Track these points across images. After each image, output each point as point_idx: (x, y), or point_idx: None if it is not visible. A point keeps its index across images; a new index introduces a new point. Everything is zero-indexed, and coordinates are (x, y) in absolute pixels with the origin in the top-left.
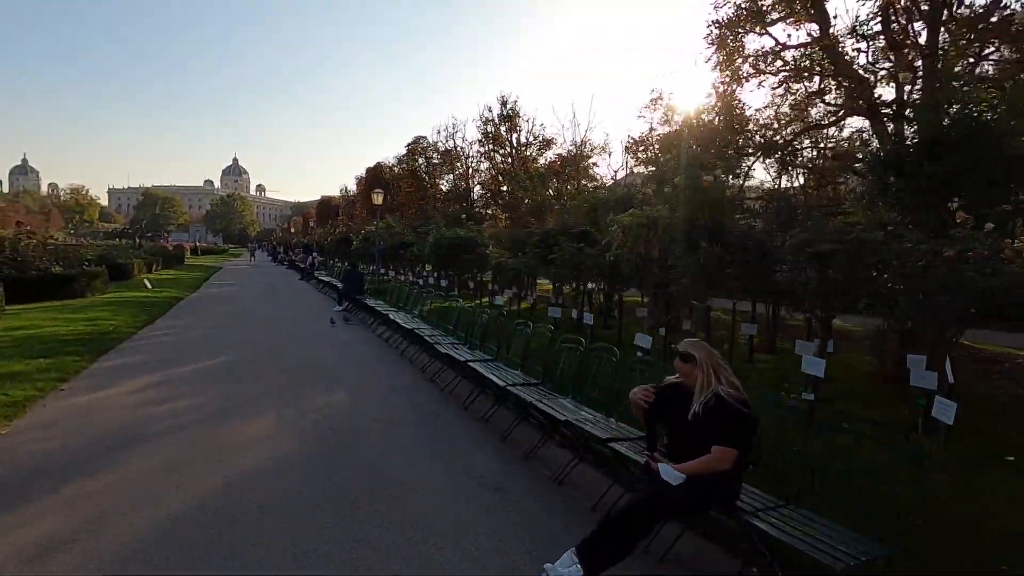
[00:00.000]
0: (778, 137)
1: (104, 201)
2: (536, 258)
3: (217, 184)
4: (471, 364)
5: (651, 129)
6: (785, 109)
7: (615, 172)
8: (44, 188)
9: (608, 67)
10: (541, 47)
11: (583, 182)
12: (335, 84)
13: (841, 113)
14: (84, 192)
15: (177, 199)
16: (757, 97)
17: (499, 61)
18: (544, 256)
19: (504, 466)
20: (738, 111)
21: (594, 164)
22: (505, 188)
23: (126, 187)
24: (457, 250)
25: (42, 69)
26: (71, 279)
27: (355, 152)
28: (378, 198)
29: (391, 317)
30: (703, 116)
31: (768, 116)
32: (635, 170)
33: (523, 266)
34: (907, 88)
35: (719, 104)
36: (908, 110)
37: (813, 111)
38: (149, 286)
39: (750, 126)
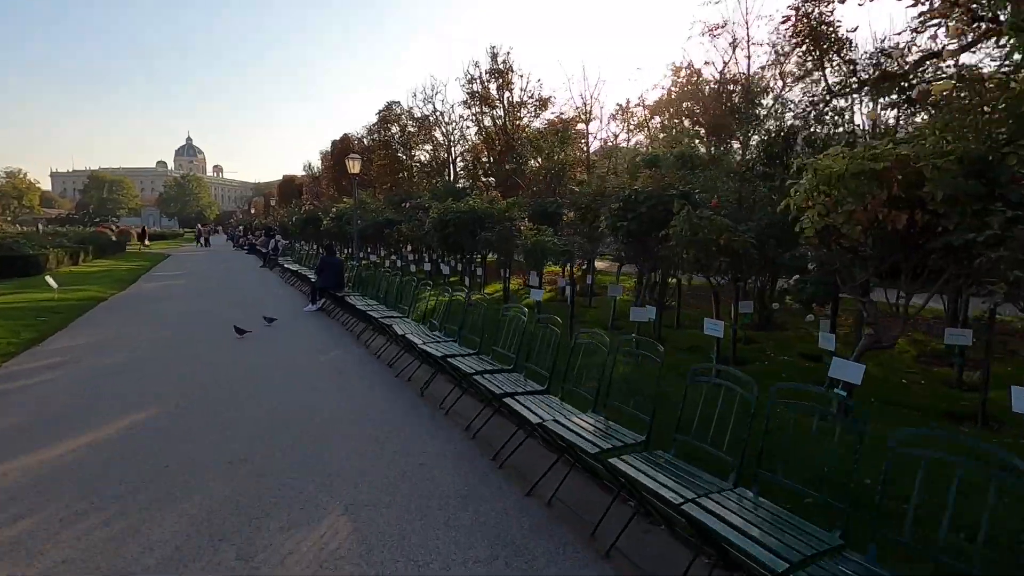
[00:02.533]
0: (888, 64)
1: (46, 185)
2: (624, 233)
3: (171, 165)
4: (668, 495)
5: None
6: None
7: (614, 137)
8: None
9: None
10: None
11: (570, 149)
12: (296, 54)
13: (984, 29)
14: (22, 176)
15: (127, 181)
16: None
17: (487, 15)
18: (636, 230)
19: None
20: (831, 33)
21: (579, 132)
22: (489, 159)
23: (71, 170)
24: (472, 226)
25: None
26: None
27: (320, 129)
28: (355, 165)
29: (397, 330)
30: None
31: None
32: (622, 137)
33: (589, 243)
34: None
35: (798, 27)
36: None
37: (939, 33)
38: (54, 285)
39: (850, 55)
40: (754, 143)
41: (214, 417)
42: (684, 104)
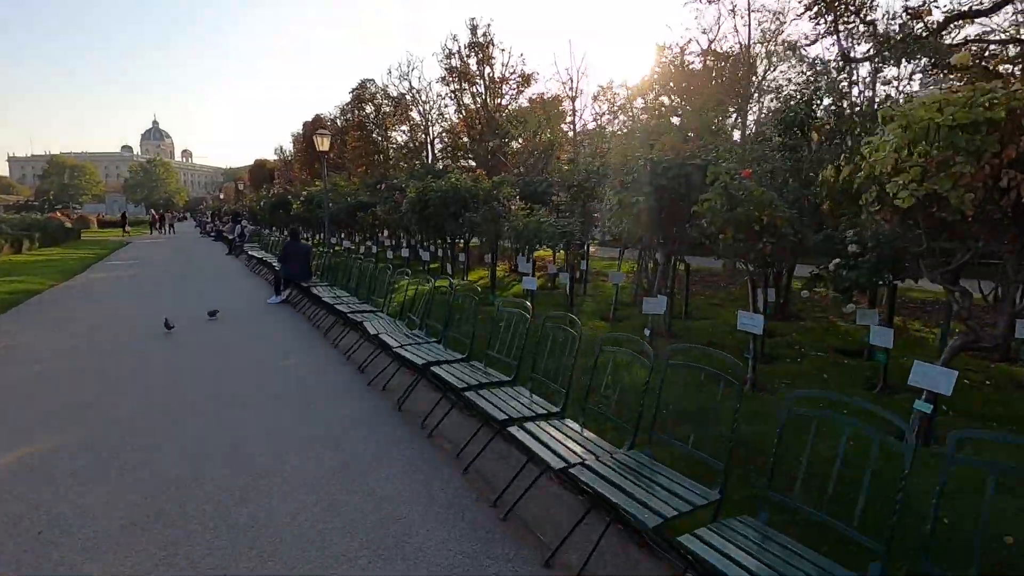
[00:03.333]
0: (917, 28)
1: (4, 171)
2: (640, 211)
3: (137, 150)
4: None
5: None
6: None
7: (599, 116)
8: None
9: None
10: None
11: (556, 127)
12: (269, 30)
13: None
14: None
15: (89, 167)
16: None
17: None
18: (656, 207)
19: None
20: None
21: (563, 111)
22: (469, 138)
23: (30, 155)
24: (454, 207)
25: None
26: None
27: (294, 111)
28: (324, 142)
29: (369, 328)
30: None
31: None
32: (606, 118)
33: (583, 225)
34: None
35: None
36: None
37: None
38: None
39: (871, 15)
40: (754, 115)
41: (122, 455)
42: (670, 83)
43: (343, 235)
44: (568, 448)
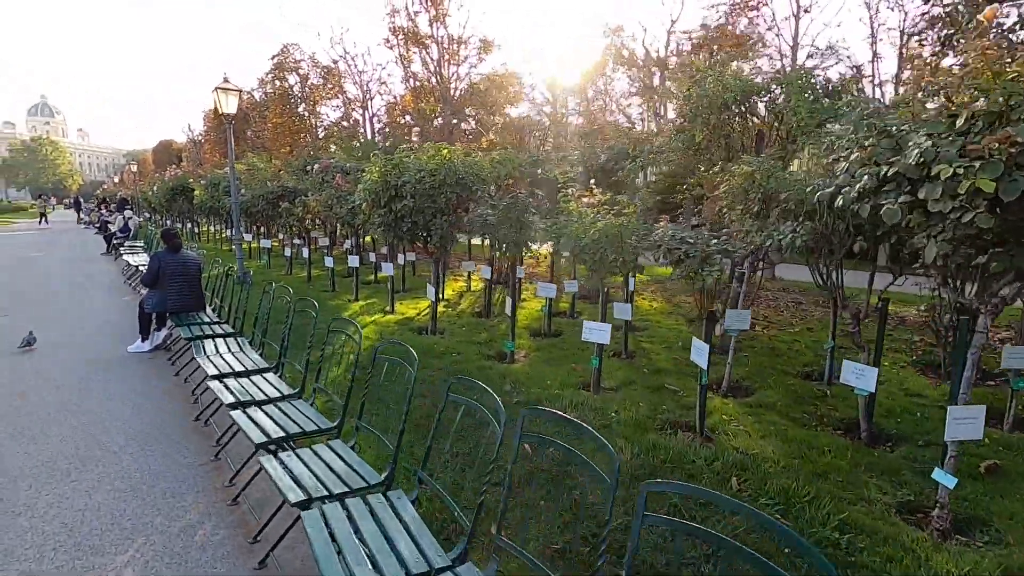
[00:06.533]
0: None
1: None
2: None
3: (22, 129)
4: None
5: None
6: None
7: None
8: None
9: None
10: None
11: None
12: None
13: None
14: None
15: None
16: None
17: None
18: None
19: None
20: None
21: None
22: (409, 117)
23: None
24: (445, 196)
25: None
26: None
27: (209, 88)
28: (229, 102)
29: (290, 494)
30: None
31: None
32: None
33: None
34: None
35: None
36: None
37: None
38: None
39: None
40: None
41: None
42: (620, 66)
43: (261, 231)
44: None
